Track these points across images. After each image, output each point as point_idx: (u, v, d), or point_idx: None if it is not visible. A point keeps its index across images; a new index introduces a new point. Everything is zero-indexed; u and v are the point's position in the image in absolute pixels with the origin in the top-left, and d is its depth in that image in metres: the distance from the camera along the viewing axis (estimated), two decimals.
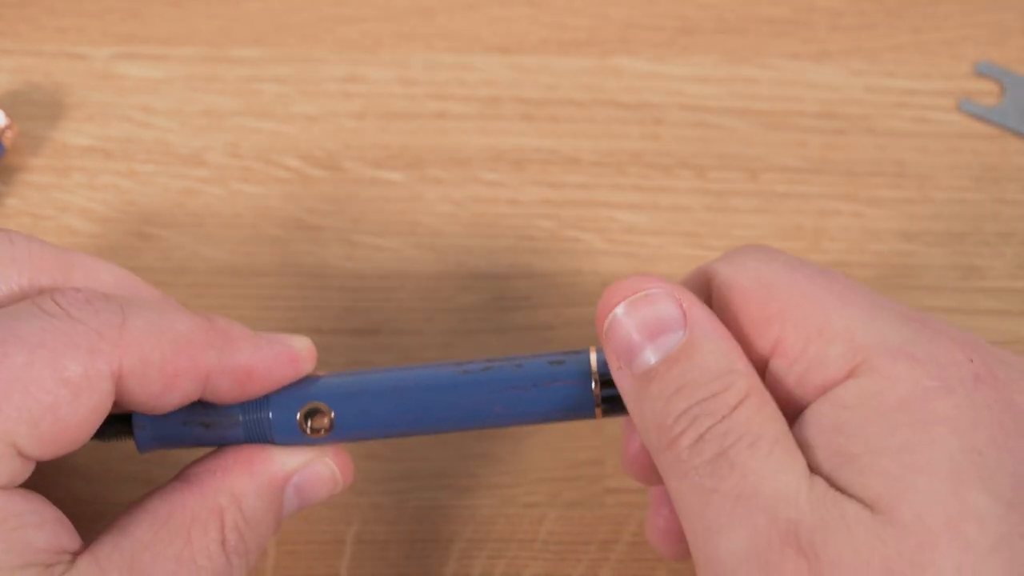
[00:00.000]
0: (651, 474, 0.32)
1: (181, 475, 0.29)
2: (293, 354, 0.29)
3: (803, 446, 0.26)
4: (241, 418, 0.29)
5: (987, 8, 0.42)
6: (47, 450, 0.26)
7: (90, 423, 0.27)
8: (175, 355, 0.27)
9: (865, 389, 0.26)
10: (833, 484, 0.25)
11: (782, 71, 0.42)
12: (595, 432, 0.37)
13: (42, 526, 0.26)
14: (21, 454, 0.26)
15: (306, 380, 0.30)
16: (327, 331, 0.38)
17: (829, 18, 0.42)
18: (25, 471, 0.26)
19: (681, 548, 0.32)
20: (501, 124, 0.41)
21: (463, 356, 0.37)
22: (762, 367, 0.28)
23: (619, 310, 0.27)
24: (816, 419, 0.26)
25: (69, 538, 0.27)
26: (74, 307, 0.27)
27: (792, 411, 0.27)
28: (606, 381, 0.29)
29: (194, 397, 0.28)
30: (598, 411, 0.29)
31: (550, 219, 0.39)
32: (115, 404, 0.28)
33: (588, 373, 0.29)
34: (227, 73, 0.41)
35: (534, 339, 0.38)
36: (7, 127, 0.39)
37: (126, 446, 0.30)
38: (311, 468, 0.30)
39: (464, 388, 0.29)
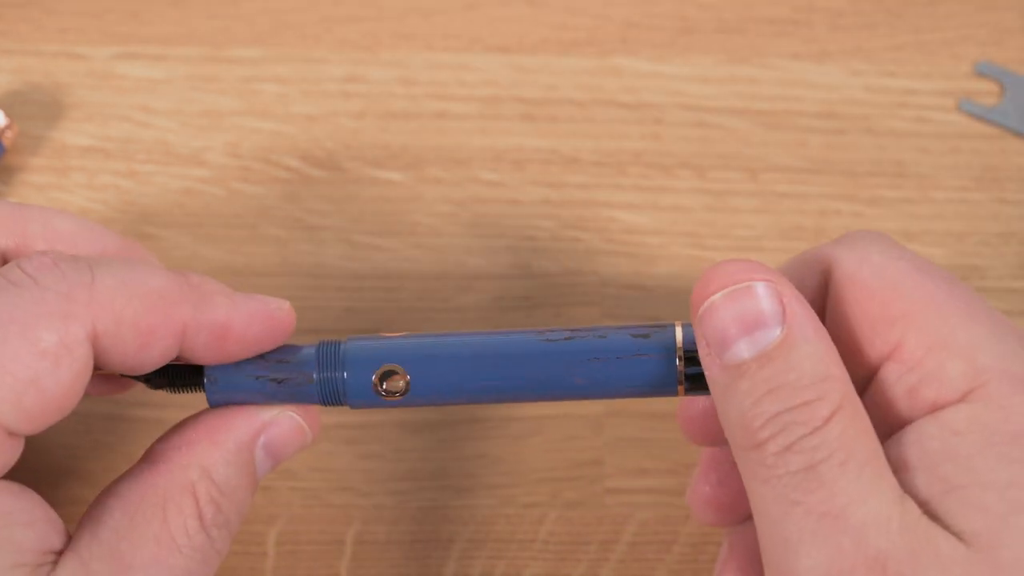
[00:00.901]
0: (705, 434, 0.31)
1: (147, 455, 0.29)
2: (270, 312, 0.28)
3: (903, 465, 0.25)
4: (316, 376, 0.29)
5: (987, 8, 0.42)
6: (34, 424, 0.26)
7: (75, 389, 0.26)
8: (148, 312, 0.27)
9: (979, 417, 0.25)
10: (928, 511, 0.25)
11: (782, 71, 0.42)
12: (595, 432, 0.37)
13: (32, 524, 0.26)
14: (9, 433, 0.25)
15: (384, 340, 0.29)
16: (327, 331, 0.38)
17: (829, 18, 0.42)
18: (15, 451, 0.26)
19: (720, 517, 0.31)
20: (501, 124, 0.41)
21: None
22: (873, 369, 0.27)
23: (716, 297, 0.26)
24: (921, 440, 0.25)
25: (57, 537, 0.26)
26: (41, 273, 0.26)
27: (895, 421, 0.27)
28: (691, 358, 0.28)
29: (171, 355, 0.28)
30: (680, 389, 0.28)
31: (550, 219, 0.39)
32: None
33: (673, 349, 0.28)
34: (227, 73, 0.41)
35: None
36: (7, 127, 0.39)
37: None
38: (277, 425, 0.29)
39: (546, 357, 0.28)
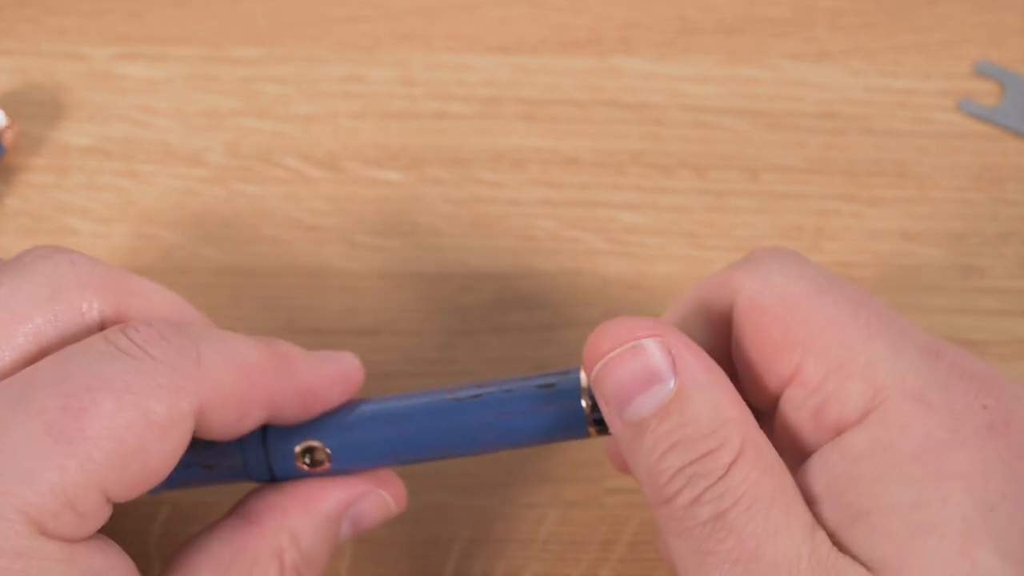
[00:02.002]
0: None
1: (239, 512, 0.29)
2: (346, 371, 0.30)
3: (810, 498, 0.26)
4: (241, 459, 0.30)
5: (987, 8, 0.42)
6: (131, 493, 0.26)
7: (172, 461, 0.27)
8: (248, 386, 0.27)
9: (879, 439, 0.25)
10: (837, 541, 0.25)
11: (782, 71, 0.42)
12: None
13: None
14: (108, 499, 0.26)
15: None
16: (327, 331, 0.38)
17: (829, 18, 0.42)
18: (107, 515, 0.26)
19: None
20: (501, 124, 0.41)
21: (464, 356, 0.38)
22: (779, 391, 0.27)
23: (610, 356, 0.26)
24: (826, 468, 0.26)
25: None
26: (151, 345, 0.26)
27: (804, 445, 0.27)
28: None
29: (261, 423, 0.29)
30: (592, 431, 0.29)
31: (550, 219, 0.39)
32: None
33: (579, 395, 0.28)
34: (227, 73, 0.41)
35: (534, 339, 0.38)
36: (7, 127, 0.39)
37: None
38: (367, 501, 0.30)
39: (455, 416, 0.29)
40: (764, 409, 0.28)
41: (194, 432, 0.27)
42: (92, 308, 0.28)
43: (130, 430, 0.25)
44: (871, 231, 0.39)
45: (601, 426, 0.29)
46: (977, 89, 0.41)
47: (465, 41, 0.42)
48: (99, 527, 0.26)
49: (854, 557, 0.25)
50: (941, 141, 0.41)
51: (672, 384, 0.26)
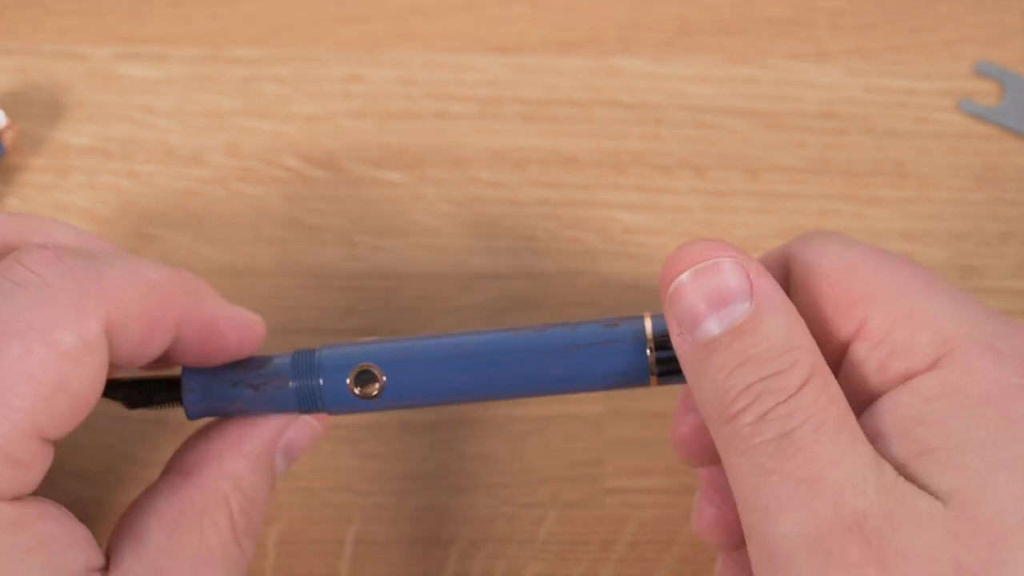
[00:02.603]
0: (699, 455, 0.31)
1: (176, 467, 0.29)
2: (248, 320, 0.29)
3: (877, 434, 0.26)
4: (292, 381, 0.29)
5: (987, 8, 0.42)
6: (65, 426, 0.26)
7: (97, 385, 0.26)
8: (153, 304, 0.27)
9: (950, 382, 0.25)
10: (905, 474, 0.25)
11: (782, 71, 0.42)
12: (595, 432, 0.37)
13: (73, 546, 0.26)
14: (44, 439, 0.25)
15: (358, 344, 0.29)
16: (327, 331, 0.38)
17: (829, 18, 0.42)
18: (49, 457, 0.26)
19: (731, 540, 0.31)
20: (501, 124, 0.41)
21: None
22: (841, 351, 0.27)
23: (684, 277, 0.26)
24: (894, 408, 0.26)
25: (96, 555, 0.27)
26: (47, 269, 0.26)
27: (868, 396, 0.27)
28: (661, 348, 0.28)
29: (164, 349, 0.28)
30: (653, 379, 0.29)
31: (550, 219, 0.39)
32: None
33: (643, 337, 0.28)
34: (227, 73, 0.41)
35: None
36: (7, 127, 0.39)
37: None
38: (294, 429, 0.30)
39: (518, 349, 0.29)
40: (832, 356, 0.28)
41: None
42: None
43: (44, 367, 0.25)
44: (871, 231, 0.39)
45: (663, 373, 0.28)
46: (977, 89, 0.41)
47: (465, 41, 0.42)
48: (44, 473, 0.26)
49: (922, 487, 0.25)
50: (941, 141, 0.41)
51: (748, 306, 0.26)
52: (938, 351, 0.26)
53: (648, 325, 0.29)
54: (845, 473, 0.24)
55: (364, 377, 0.29)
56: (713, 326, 0.26)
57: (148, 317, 0.27)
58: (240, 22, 0.42)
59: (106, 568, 0.27)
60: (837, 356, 0.27)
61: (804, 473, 0.25)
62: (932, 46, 0.42)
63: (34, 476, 0.25)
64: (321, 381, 0.29)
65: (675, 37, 0.42)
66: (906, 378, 0.26)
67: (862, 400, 0.27)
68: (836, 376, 0.27)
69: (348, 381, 0.29)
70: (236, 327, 0.29)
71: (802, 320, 0.26)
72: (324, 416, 0.30)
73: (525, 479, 0.36)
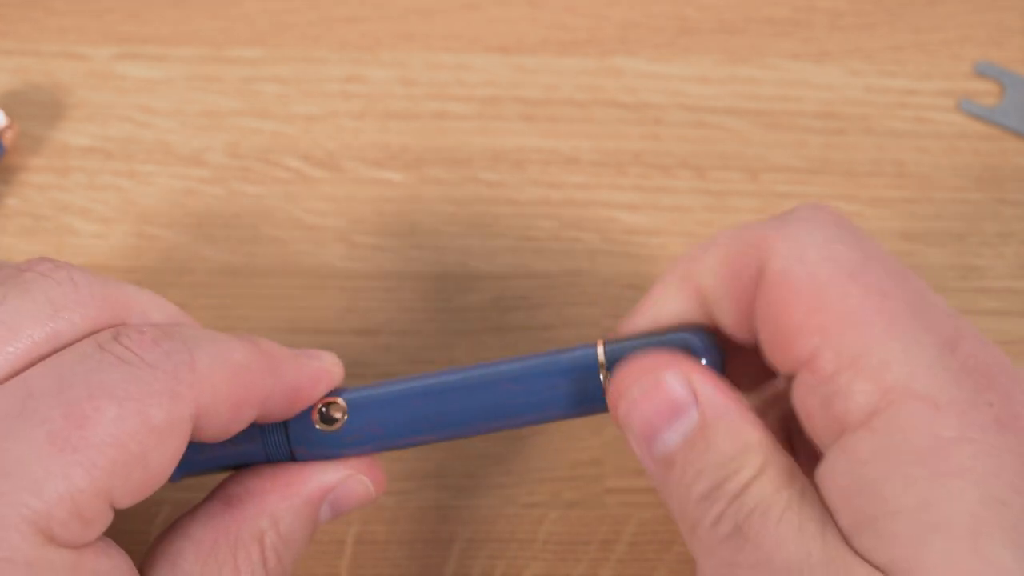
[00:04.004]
0: None
1: (219, 496, 0.30)
2: (327, 368, 0.30)
3: (826, 503, 0.26)
4: (260, 430, 0.30)
5: (987, 8, 0.42)
6: (135, 498, 0.26)
7: (171, 465, 0.27)
8: (241, 388, 0.28)
9: (882, 443, 0.25)
10: (853, 547, 0.25)
11: (782, 71, 0.42)
12: (595, 432, 0.37)
13: None
14: (113, 506, 0.26)
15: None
16: (327, 331, 0.38)
17: (829, 18, 0.42)
18: (109, 520, 0.26)
19: None
20: (501, 124, 0.41)
21: (463, 356, 0.38)
22: (794, 369, 0.27)
23: (634, 394, 0.27)
24: (832, 475, 0.26)
25: None
26: (146, 351, 0.27)
27: (813, 425, 0.27)
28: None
29: (251, 422, 0.29)
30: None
31: (550, 219, 0.39)
32: None
33: (596, 364, 0.29)
34: (227, 73, 0.41)
35: (534, 339, 0.38)
36: (7, 127, 0.39)
37: None
38: (346, 484, 0.30)
39: (473, 386, 0.29)
40: (783, 374, 0.28)
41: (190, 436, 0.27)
42: (92, 327, 0.28)
43: (132, 437, 0.25)
44: (871, 231, 0.39)
45: None
46: (977, 89, 0.41)
47: (465, 41, 0.42)
48: (103, 532, 0.26)
49: (868, 561, 0.24)
50: (941, 141, 0.41)
51: (696, 415, 0.27)
52: (875, 404, 0.25)
53: (601, 351, 0.29)
54: (791, 552, 0.25)
55: (326, 408, 0.30)
56: (668, 440, 0.27)
57: (234, 399, 0.28)
58: (240, 22, 0.42)
59: None
60: (790, 369, 0.27)
61: (755, 560, 0.25)
62: (932, 46, 0.42)
63: (93, 534, 0.26)
64: (286, 425, 0.30)
65: (675, 37, 0.42)
66: (844, 424, 0.26)
67: (810, 426, 0.27)
68: (790, 389, 0.28)
69: (313, 415, 0.29)
70: (316, 383, 0.30)
71: (749, 412, 0.27)
72: (381, 478, 0.31)
73: (525, 479, 0.36)
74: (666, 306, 0.29)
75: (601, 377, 0.29)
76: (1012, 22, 0.42)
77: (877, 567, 0.24)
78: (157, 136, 0.40)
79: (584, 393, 0.29)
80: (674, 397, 0.27)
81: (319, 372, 0.30)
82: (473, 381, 0.29)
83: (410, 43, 0.42)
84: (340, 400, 0.30)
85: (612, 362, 0.29)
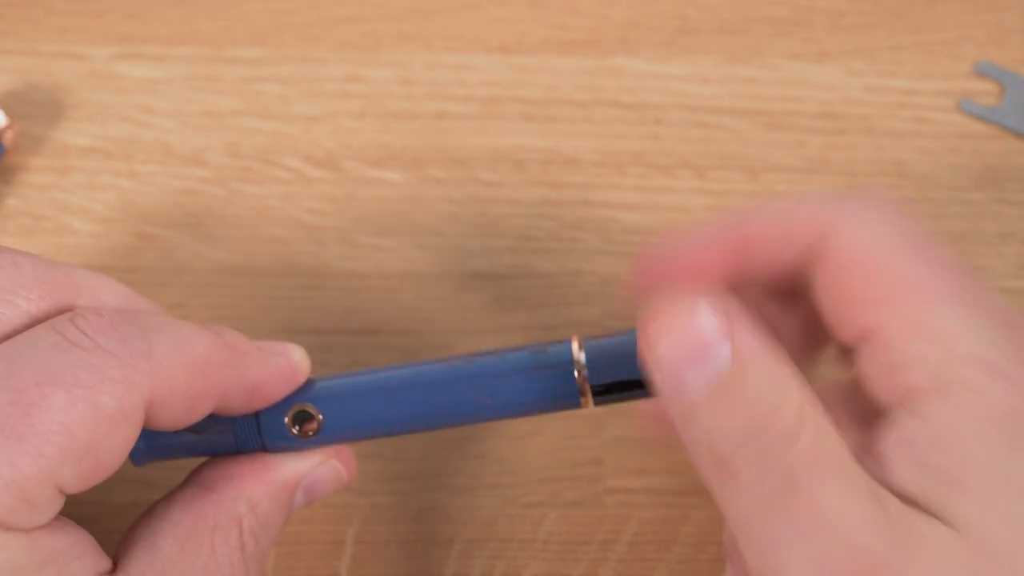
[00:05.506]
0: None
1: (197, 480, 0.29)
2: (293, 365, 0.29)
3: (883, 460, 0.26)
4: (232, 424, 0.30)
5: (987, 8, 0.42)
6: (83, 486, 0.26)
7: (123, 453, 0.27)
8: (198, 378, 0.27)
9: (958, 407, 0.25)
10: (911, 501, 0.25)
11: (782, 71, 0.42)
12: (595, 432, 0.37)
13: (83, 556, 0.26)
14: (63, 492, 0.26)
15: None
16: (327, 331, 0.38)
17: (829, 18, 0.42)
18: (59, 507, 0.26)
19: None
20: (501, 124, 0.41)
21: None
22: (856, 342, 0.27)
23: (662, 331, 0.26)
24: (900, 432, 0.26)
25: (102, 560, 0.27)
26: (101, 336, 0.26)
27: (875, 392, 0.27)
28: (591, 370, 0.29)
29: (207, 414, 0.29)
30: (584, 400, 0.29)
31: (550, 219, 0.39)
32: None
33: (570, 362, 0.29)
34: (227, 73, 0.41)
35: (534, 339, 0.38)
36: (7, 127, 0.39)
37: None
38: (320, 470, 0.30)
39: (448, 381, 0.29)
40: (843, 342, 0.28)
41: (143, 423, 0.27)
42: (39, 309, 0.27)
43: (81, 424, 0.25)
44: None
45: (596, 396, 0.29)
46: (977, 89, 0.41)
47: (465, 41, 0.42)
48: (54, 515, 0.26)
49: (932, 514, 0.24)
50: (941, 141, 0.41)
51: (730, 358, 0.25)
52: (948, 372, 0.25)
53: (575, 348, 0.29)
54: (846, 508, 0.24)
55: (301, 416, 0.29)
56: (699, 383, 0.26)
57: (192, 391, 0.27)
58: (240, 22, 0.42)
59: (113, 571, 0.27)
60: (852, 343, 0.27)
61: (805, 512, 0.24)
62: (932, 46, 0.42)
63: (44, 518, 0.26)
64: (259, 421, 0.29)
65: (675, 37, 0.42)
66: (911, 391, 0.26)
67: (871, 396, 0.27)
68: (850, 363, 0.28)
69: (287, 420, 0.29)
70: (280, 380, 0.29)
71: (788, 361, 0.26)
72: (351, 463, 0.31)
73: (525, 479, 0.36)
74: (703, 245, 0.29)
75: (576, 373, 0.29)
76: (1012, 22, 0.42)
77: (950, 524, 0.24)
78: (157, 136, 0.40)
79: (561, 389, 0.29)
80: (708, 337, 0.25)
81: (283, 370, 0.29)
82: (447, 380, 0.29)
83: (410, 43, 0.42)
84: (315, 411, 0.29)
85: (589, 358, 0.29)
